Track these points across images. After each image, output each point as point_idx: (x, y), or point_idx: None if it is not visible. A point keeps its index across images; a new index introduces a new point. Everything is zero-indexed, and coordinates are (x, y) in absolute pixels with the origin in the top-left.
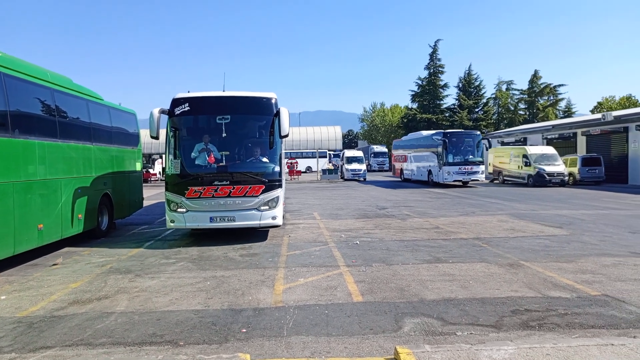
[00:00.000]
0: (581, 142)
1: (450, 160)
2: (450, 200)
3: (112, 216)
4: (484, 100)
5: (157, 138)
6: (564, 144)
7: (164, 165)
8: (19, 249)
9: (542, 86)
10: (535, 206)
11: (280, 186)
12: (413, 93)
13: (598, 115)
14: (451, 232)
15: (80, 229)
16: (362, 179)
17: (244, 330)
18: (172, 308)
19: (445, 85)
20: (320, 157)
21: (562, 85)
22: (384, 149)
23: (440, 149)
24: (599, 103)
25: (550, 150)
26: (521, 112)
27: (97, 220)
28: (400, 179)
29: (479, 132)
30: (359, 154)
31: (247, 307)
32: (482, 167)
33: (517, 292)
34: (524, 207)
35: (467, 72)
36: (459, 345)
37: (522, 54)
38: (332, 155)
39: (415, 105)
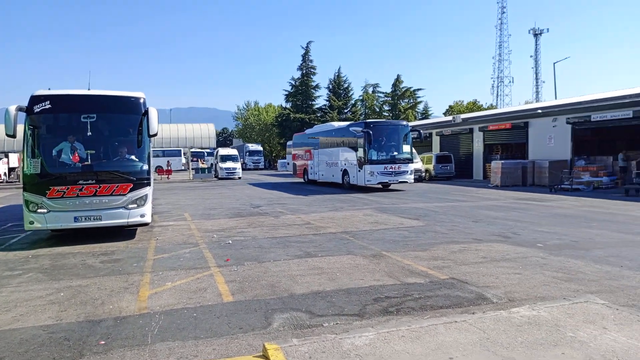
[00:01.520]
0: (436, 141)
1: (374, 157)
2: (321, 197)
3: None
4: (352, 102)
5: (14, 136)
6: (421, 142)
7: (21, 165)
8: None
9: (403, 90)
10: (396, 200)
11: (148, 184)
12: (287, 93)
13: (449, 118)
14: (321, 227)
15: None
16: (236, 177)
17: (103, 342)
18: (16, 326)
19: (317, 86)
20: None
21: (421, 89)
22: (259, 148)
23: (360, 144)
24: (450, 106)
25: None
26: (385, 114)
27: None
28: (303, 180)
29: (406, 123)
30: (234, 152)
31: (107, 317)
32: (412, 166)
33: (379, 281)
34: (387, 201)
35: (336, 74)
36: (325, 336)
37: (387, 59)
38: (205, 154)
39: (289, 105)
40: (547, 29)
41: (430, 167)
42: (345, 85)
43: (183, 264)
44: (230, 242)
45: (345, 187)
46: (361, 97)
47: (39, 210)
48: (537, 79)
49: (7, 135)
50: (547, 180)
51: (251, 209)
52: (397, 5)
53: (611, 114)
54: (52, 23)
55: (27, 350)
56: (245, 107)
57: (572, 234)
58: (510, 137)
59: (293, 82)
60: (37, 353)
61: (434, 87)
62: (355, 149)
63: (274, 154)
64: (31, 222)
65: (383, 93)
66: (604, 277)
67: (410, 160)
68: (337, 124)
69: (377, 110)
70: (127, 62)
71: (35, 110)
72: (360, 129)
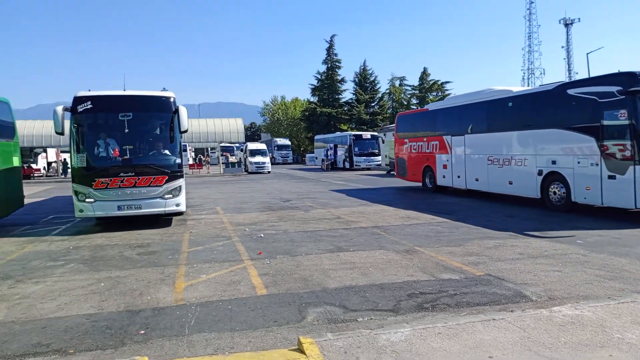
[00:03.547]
0: None
1: None
2: (344, 195)
3: None
4: (379, 95)
5: (62, 134)
6: None
7: (66, 160)
8: None
9: (431, 83)
10: (430, 195)
11: (181, 176)
12: (313, 87)
13: None
14: (352, 221)
15: None
16: (266, 171)
17: (142, 331)
18: (61, 314)
19: (343, 80)
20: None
21: (449, 82)
22: (288, 142)
23: (621, 122)
24: None
25: None
26: (413, 107)
27: None
28: (423, 186)
29: None
30: (263, 146)
31: (146, 307)
32: None
33: (413, 277)
34: (419, 196)
35: (362, 67)
36: (360, 331)
37: (413, 52)
38: (234, 148)
39: (315, 99)
40: (579, 19)
41: None
42: (372, 79)
43: (217, 257)
44: (262, 235)
45: (555, 207)
46: (388, 91)
47: (87, 200)
48: (569, 70)
49: (56, 132)
50: None
51: (281, 202)
52: None
53: None
54: (81, 21)
55: (72, 337)
56: (271, 102)
57: (614, 232)
58: None
59: (319, 76)
60: (82, 340)
61: (462, 79)
62: (606, 134)
63: (302, 148)
64: (81, 210)
65: (410, 86)
66: None
67: None
68: (520, 90)
69: (405, 103)
70: (155, 57)
71: (79, 110)
72: (621, 89)
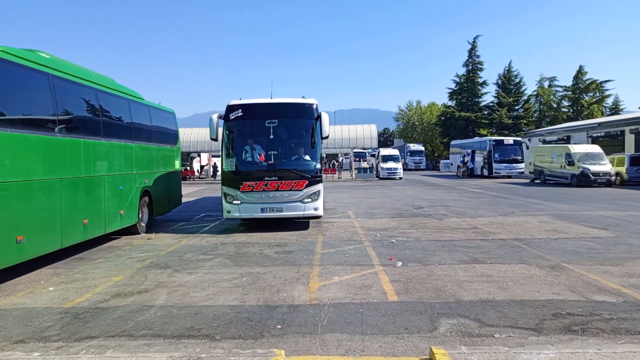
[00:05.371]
0: (629, 140)
1: None
2: (489, 200)
3: (152, 212)
4: (525, 98)
5: (216, 140)
6: (610, 142)
7: (216, 164)
8: (66, 243)
9: (587, 82)
10: (578, 207)
11: (320, 181)
12: (451, 91)
13: None
14: (489, 232)
15: (122, 224)
16: (397, 177)
17: (279, 326)
18: (209, 303)
19: (484, 83)
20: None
21: (609, 81)
22: (421, 148)
23: None
24: None
25: (596, 148)
26: (564, 110)
27: (138, 216)
28: None
29: None
30: (395, 152)
31: (282, 303)
32: None
33: (559, 295)
34: (566, 207)
35: (506, 68)
36: (497, 348)
37: (566, 49)
38: (367, 154)
39: (453, 103)
40: None
41: (622, 169)
42: (517, 80)
43: (348, 260)
44: (393, 241)
45: None
46: (535, 92)
47: (234, 202)
48: None
49: (211, 139)
50: None
51: (413, 209)
52: None
53: None
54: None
55: (218, 325)
56: (407, 107)
57: None
58: None
59: (457, 80)
60: (227, 329)
61: (626, 78)
62: None
63: (436, 154)
64: (228, 212)
65: (562, 87)
66: None
67: None
68: None
69: (555, 106)
70: (297, 64)
71: (231, 117)
72: None
